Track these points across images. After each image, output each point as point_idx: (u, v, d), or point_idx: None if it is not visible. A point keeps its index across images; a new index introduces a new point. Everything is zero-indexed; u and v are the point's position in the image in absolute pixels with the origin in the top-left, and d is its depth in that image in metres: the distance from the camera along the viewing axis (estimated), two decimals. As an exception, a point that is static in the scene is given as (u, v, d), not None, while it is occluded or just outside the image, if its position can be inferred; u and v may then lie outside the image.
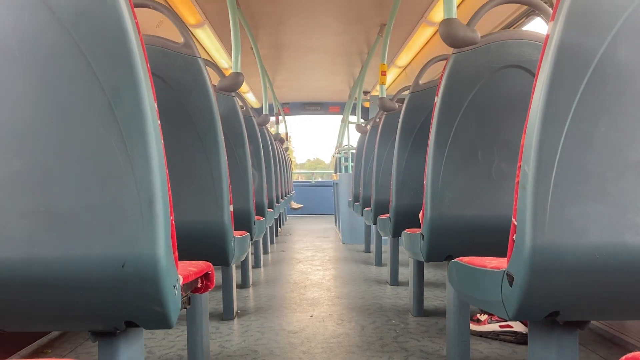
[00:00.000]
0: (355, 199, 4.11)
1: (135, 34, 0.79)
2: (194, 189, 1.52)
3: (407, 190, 2.17)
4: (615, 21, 0.81)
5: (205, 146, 1.50)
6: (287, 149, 7.76)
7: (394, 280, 2.79)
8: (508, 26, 3.18)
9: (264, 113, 3.59)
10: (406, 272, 2.61)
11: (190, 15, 3.52)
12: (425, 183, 1.53)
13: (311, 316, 2.15)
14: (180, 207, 1.39)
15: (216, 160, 1.51)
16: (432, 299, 2.43)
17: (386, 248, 3.18)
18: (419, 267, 2.12)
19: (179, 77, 1.48)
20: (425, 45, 4.43)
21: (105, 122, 0.78)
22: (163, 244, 0.79)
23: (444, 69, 1.49)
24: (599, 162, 0.83)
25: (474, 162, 1.48)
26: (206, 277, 1.19)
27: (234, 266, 2.10)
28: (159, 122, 0.82)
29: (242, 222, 2.15)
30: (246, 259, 2.78)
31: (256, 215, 2.39)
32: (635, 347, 1.60)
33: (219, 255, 1.59)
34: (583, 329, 0.96)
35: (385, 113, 2.92)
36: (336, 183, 5.57)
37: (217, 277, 1.26)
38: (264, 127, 3.50)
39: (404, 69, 5.38)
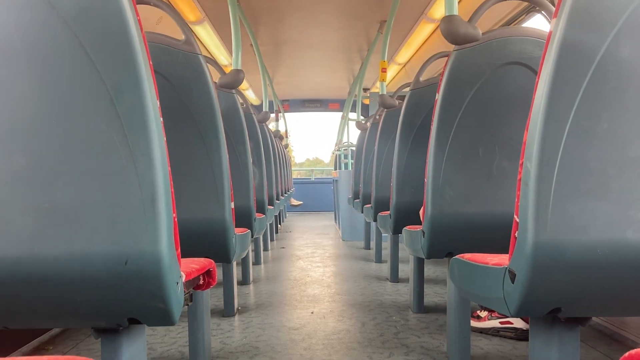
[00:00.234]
0: (355, 196, 4.11)
1: (137, 30, 0.79)
2: (195, 186, 1.52)
3: (408, 188, 2.17)
4: (617, 18, 0.81)
5: (207, 143, 1.50)
6: (286, 145, 7.76)
7: (394, 277, 2.79)
8: (508, 23, 3.18)
9: (264, 110, 3.59)
10: (406, 269, 2.61)
11: (190, 12, 3.52)
12: (426, 180, 1.53)
13: (312, 313, 2.15)
14: (181, 204, 1.39)
15: (217, 158, 1.52)
16: (432, 295, 2.43)
17: (386, 245, 3.18)
18: (420, 264, 2.12)
19: (180, 75, 1.48)
20: (425, 42, 4.43)
21: (108, 118, 0.78)
22: (165, 241, 0.79)
23: (445, 66, 1.49)
24: (601, 159, 0.83)
25: (475, 159, 1.48)
26: (208, 274, 1.20)
27: (234, 263, 2.10)
28: (161, 119, 0.82)
29: (243, 219, 2.15)
30: (247, 255, 2.78)
31: (257, 212, 2.39)
32: (635, 344, 1.61)
33: (220, 252, 1.60)
34: (584, 325, 0.97)
35: (385, 110, 2.91)
36: (336, 180, 5.57)
37: (217, 274, 1.26)
38: (263, 124, 3.50)
39: (404, 65, 5.38)
